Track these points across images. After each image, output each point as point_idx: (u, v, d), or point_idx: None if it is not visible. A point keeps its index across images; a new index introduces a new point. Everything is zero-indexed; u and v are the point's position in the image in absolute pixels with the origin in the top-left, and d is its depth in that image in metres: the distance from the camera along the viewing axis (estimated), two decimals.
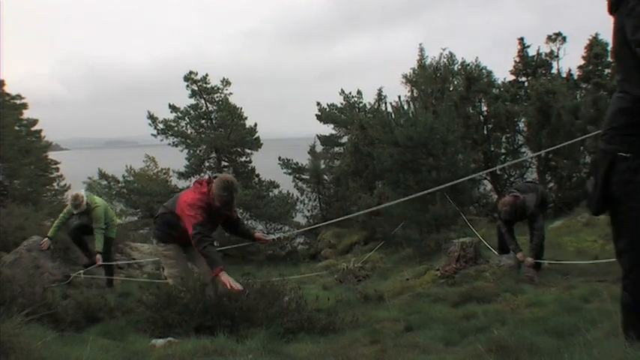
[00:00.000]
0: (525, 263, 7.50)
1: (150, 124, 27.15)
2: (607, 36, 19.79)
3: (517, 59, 20.92)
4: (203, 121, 27.76)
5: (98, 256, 8.31)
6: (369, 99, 30.17)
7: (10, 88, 25.60)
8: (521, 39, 21.07)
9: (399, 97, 17.73)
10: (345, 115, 30.05)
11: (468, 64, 20.53)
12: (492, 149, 16.94)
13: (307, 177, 27.96)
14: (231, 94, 27.72)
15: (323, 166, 27.93)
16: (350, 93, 31.04)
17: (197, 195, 5.09)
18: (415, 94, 22.09)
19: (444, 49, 22.80)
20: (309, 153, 28.59)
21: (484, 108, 17.15)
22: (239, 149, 27.93)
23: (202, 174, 27.86)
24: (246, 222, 26.18)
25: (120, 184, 27.28)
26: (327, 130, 31.08)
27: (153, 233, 5.48)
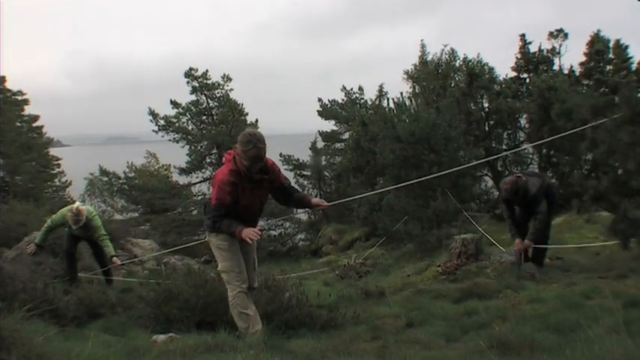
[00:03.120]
0: (518, 245, 7.43)
1: (151, 121, 27.16)
2: (608, 33, 19.78)
3: (519, 55, 20.89)
4: (204, 117, 27.75)
5: (115, 259, 8.25)
6: (370, 95, 30.14)
7: (16, 84, 25.71)
8: (523, 35, 21.03)
9: (401, 93, 17.72)
10: (347, 111, 30.03)
11: (470, 61, 20.50)
12: (494, 145, 16.90)
13: (308, 173, 27.97)
14: (232, 90, 27.74)
15: (324, 163, 27.92)
16: (352, 89, 31.03)
17: (226, 169, 4.63)
18: (417, 91, 22.07)
19: (445, 46, 22.79)
20: (310, 149, 28.59)
21: (486, 104, 17.11)
22: None
23: (203, 170, 27.87)
24: None
25: (121, 181, 27.27)
26: (329, 126, 31.06)
27: (205, 223, 4.97)
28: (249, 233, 4.37)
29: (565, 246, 8.01)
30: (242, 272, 4.72)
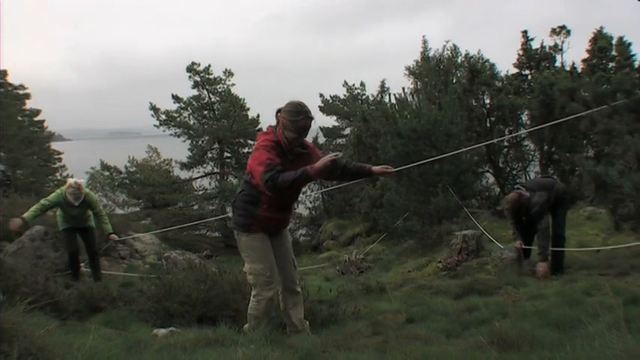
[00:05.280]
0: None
1: (152, 115, 27.20)
2: (611, 29, 19.75)
3: (521, 52, 20.88)
4: (206, 112, 27.78)
5: (113, 235, 8.24)
6: (372, 91, 30.16)
7: (18, 78, 25.75)
8: (525, 32, 21.01)
9: (404, 88, 17.70)
10: (348, 107, 30.03)
11: (472, 57, 20.48)
12: (495, 142, 16.90)
13: None
14: (233, 84, 27.76)
15: None
16: (353, 85, 31.03)
17: (262, 140, 4.24)
18: (419, 87, 22.04)
19: (447, 42, 22.75)
20: None
21: (487, 101, 17.09)
22: (241, 140, 27.95)
23: (205, 165, 27.90)
24: None
25: (122, 175, 27.32)
26: (330, 121, 31.08)
27: (233, 221, 4.56)
28: (324, 160, 4.00)
29: (572, 249, 7.93)
30: (272, 276, 4.36)
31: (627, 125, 7.08)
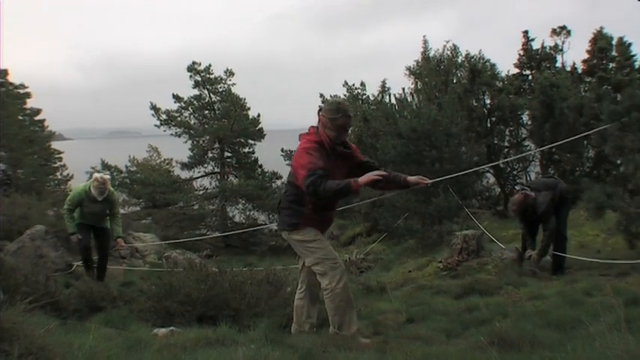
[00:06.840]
0: (532, 259, 7.34)
1: (153, 115, 27.14)
2: (611, 29, 19.74)
3: (521, 52, 20.87)
4: (206, 112, 27.73)
5: (120, 240, 8.23)
6: (373, 90, 30.09)
7: (20, 77, 25.72)
8: (526, 32, 21.00)
9: (403, 89, 17.69)
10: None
11: (472, 57, 20.46)
12: (496, 142, 16.90)
13: None
14: (234, 84, 27.71)
15: None
16: (353, 84, 30.99)
17: (308, 140, 4.26)
18: (419, 87, 22.02)
19: (447, 42, 22.69)
20: None
21: (488, 101, 17.08)
22: (242, 140, 27.90)
23: (205, 164, 27.87)
24: (248, 213, 26.17)
25: (123, 175, 27.28)
26: None
27: (281, 224, 4.53)
28: (371, 175, 4.02)
29: (578, 257, 7.89)
30: (337, 259, 4.32)
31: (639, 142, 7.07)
